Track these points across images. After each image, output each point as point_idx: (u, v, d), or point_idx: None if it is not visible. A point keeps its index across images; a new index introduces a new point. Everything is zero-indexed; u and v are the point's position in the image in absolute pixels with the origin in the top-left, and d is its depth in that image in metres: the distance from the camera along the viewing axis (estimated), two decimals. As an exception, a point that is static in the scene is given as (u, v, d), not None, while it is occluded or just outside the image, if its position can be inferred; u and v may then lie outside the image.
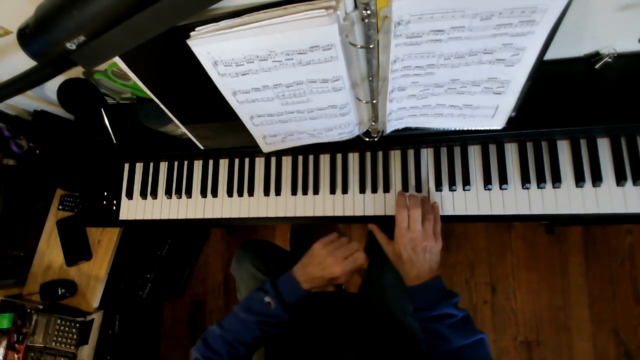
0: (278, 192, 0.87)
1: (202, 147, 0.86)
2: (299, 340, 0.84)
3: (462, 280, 1.59)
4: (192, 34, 0.55)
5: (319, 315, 0.98)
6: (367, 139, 0.76)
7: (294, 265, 0.79)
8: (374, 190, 0.82)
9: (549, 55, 0.58)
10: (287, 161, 0.89)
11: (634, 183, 0.71)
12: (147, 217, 0.95)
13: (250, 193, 0.89)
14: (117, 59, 0.60)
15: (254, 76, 0.60)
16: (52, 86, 0.89)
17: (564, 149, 0.76)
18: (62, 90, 0.85)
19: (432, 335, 0.66)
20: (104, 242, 1.16)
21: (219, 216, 0.90)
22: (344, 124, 0.71)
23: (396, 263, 0.74)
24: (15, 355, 1.12)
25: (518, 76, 0.59)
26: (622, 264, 1.48)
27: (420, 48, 0.55)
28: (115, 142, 0.93)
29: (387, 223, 0.78)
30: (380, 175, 0.83)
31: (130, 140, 0.93)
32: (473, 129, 0.73)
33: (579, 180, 0.73)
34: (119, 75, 0.81)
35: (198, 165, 0.94)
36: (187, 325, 1.81)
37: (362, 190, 0.83)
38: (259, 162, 0.90)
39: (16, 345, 1.12)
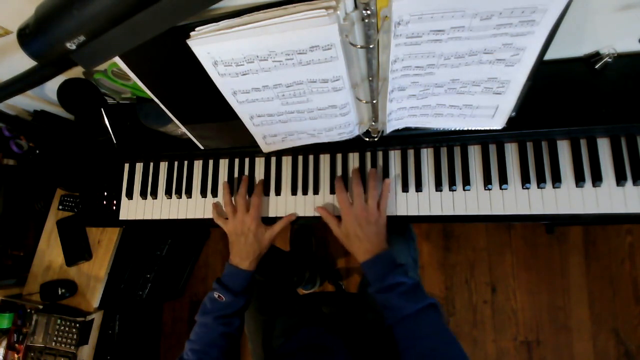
0: (278, 192, 0.87)
1: (202, 147, 0.86)
2: (296, 340, 0.84)
3: (462, 280, 1.59)
4: (192, 34, 0.55)
5: (318, 315, 0.98)
6: (367, 139, 0.76)
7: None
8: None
9: (549, 55, 0.58)
10: (287, 161, 0.89)
11: (634, 183, 0.71)
12: (147, 217, 0.95)
13: (251, 193, 0.89)
14: (117, 59, 0.60)
15: (254, 76, 0.60)
16: (52, 86, 0.89)
17: (564, 149, 0.76)
18: (62, 90, 0.85)
19: (386, 307, 0.68)
20: (104, 242, 1.16)
21: (219, 216, 0.90)
22: (344, 124, 0.71)
23: (346, 244, 0.75)
24: (15, 355, 1.12)
25: (518, 76, 0.59)
26: (622, 264, 1.48)
27: (420, 48, 0.55)
28: (115, 142, 0.93)
29: (388, 223, 0.78)
30: (380, 176, 0.83)
31: (130, 140, 0.93)
32: (473, 129, 0.73)
33: (579, 180, 0.73)
34: (119, 75, 0.81)
35: (198, 165, 0.94)
36: (187, 325, 1.81)
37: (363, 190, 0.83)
38: (259, 162, 0.90)
39: (16, 345, 1.12)
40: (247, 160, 0.91)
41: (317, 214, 0.83)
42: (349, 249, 0.75)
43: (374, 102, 0.64)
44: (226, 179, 0.91)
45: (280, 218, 0.84)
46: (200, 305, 0.78)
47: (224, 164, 0.93)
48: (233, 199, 0.86)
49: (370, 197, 0.75)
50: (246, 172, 0.90)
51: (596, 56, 0.70)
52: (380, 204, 0.75)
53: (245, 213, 0.81)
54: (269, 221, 0.85)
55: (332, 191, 0.84)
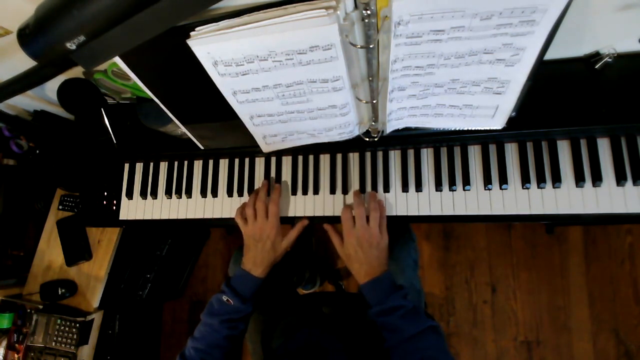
0: (278, 192, 0.87)
1: (202, 147, 0.86)
2: (296, 340, 0.84)
3: (462, 280, 1.59)
4: (192, 34, 0.55)
5: (318, 315, 0.98)
6: (367, 139, 0.77)
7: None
8: (374, 190, 0.82)
9: (549, 55, 0.58)
10: (287, 161, 0.89)
11: (634, 183, 0.71)
12: (147, 217, 0.95)
13: (251, 193, 0.89)
14: (117, 59, 0.60)
15: (254, 76, 0.60)
16: (52, 86, 0.89)
17: (564, 149, 0.76)
18: (62, 90, 0.85)
19: (386, 329, 0.69)
20: (104, 242, 1.16)
21: (219, 216, 0.90)
22: (344, 124, 0.71)
23: (348, 264, 0.77)
24: (15, 355, 1.12)
25: (518, 76, 0.59)
26: (622, 264, 1.48)
27: (421, 48, 0.55)
28: (115, 142, 0.93)
29: (387, 224, 0.78)
30: (380, 175, 0.83)
31: (130, 140, 0.93)
32: (473, 129, 0.73)
33: (579, 180, 0.73)
34: (119, 75, 0.81)
35: (198, 165, 0.94)
36: (187, 325, 1.81)
37: (363, 190, 0.83)
38: (259, 162, 0.90)
39: (16, 345, 1.12)
40: (247, 160, 0.91)
41: (317, 214, 0.83)
42: (350, 269, 0.76)
43: (374, 102, 0.64)
44: (226, 179, 0.91)
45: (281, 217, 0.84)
46: (207, 304, 0.78)
47: (224, 164, 0.93)
48: (254, 202, 0.83)
49: (372, 219, 0.75)
50: (246, 172, 0.90)
51: (596, 56, 0.70)
52: (381, 226, 0.75)
53: (264, 220, 0.79)
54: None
55: (332, 191, 0.84)
